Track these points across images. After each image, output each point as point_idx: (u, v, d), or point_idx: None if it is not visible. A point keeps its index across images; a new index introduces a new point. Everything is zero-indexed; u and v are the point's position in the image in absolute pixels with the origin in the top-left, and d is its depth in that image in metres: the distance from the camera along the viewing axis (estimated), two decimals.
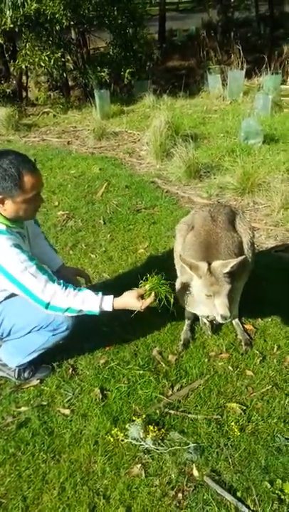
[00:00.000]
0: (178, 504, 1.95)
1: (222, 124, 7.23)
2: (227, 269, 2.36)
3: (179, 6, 22.20)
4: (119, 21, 8.94)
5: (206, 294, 2.36)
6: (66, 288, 2.23)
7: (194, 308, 2.68)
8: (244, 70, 8.92)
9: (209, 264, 2.37)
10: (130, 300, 2.31)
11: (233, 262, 2.37)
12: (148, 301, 2.31)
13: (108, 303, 2.28)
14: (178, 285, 2.75)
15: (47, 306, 2.21)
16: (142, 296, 2.32)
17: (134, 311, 2.34)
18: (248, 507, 1.93)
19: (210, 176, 5.26)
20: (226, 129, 6.86)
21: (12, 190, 2.13)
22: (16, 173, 2.10)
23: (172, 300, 2.35)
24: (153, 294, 2.32)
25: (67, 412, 2.38)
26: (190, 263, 2.39)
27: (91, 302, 2.25)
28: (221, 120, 7.46)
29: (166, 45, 15.23)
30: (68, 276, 2.67)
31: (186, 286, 2.62)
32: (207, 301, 2.39)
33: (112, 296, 2.30)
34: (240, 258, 2.42)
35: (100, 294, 2.28)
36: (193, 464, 2.10)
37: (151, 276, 2.37)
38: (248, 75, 9.43)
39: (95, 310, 2.26)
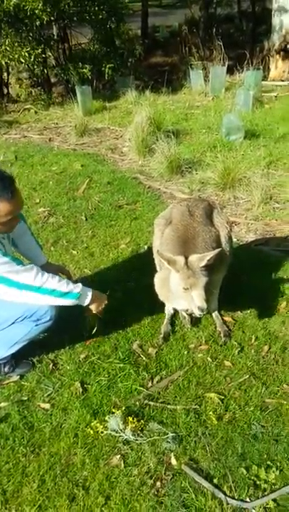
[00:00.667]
0: (156, 492, 1.99)
1: (204, 119, 7.27)
2: (204, 263, 2.40)
3: (161, 2, 22.10)
4: (100, 17, 8.89)
5: (184, 287, 2.40)
6: (44, 273, 2.33)
7: (173, 302, 2.72)
8: (226, 66, 8.95)
9: (186, 258, 2.42)
10: (96, 292, 2.49)
11: (210, 255, 2.42)
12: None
13: (88, 291, 2.44)
14: (157, 280, 2.78)
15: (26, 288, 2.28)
16: None
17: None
18: (224, 493, 1.97)
19: (192, 171, 5.30)
20: (207, 125, 6.90)
21: None
22: None
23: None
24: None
25: (47, 406, 2.40)
26: (167, 257, 2.43)
27: (74, 286, 2.37)
28: (203, 116, 7.49)
29: (148, 41, 15.16)
30: (51, 273, 2.70)
31: (164, 281, 2.65)
32: (185, 294, 2.43)
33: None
34: (216, 251, 2.46)
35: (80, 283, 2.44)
36: (172, 453, 2.14)
37: None
38: (230, 71, 9.46)
39: (76, 292, 2.36)
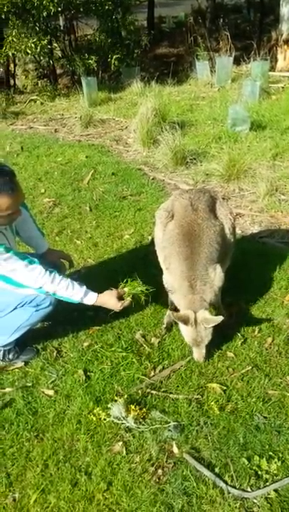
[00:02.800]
0: (157, 480, 2.01)
1: (210, 111, 7.22)
2: (211, 325, 2.46)
3: None
4: (106, 7, 8.84)
5: (190, 342, 2.54)
6: (51, 273, 2.32)
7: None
8: (232, 56, 8.89)
9: (195, 312, 2.47)
10: (110, 299, 2.46)
11: (216, 322, 2.45)
12: (126, 303, 2.49)
13: (91, 298, 2.42)
14: (166, 284, 2.78)
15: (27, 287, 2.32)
16: (121, 297, 2.49)
17: (111, 310, 2.53)
18: (225, 482, 1.99)
19: (196, 162, 5.28)
20: (213, 116, 6.85)
21: None
22: None
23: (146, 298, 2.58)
24: (130, 297, 2.51)
25: (51, 392, 2.43)
26: (178, 317, 2.49)
27: (75, 291, 2.37)
28: (208, 107, 7.44)
29: (154, 32, 15.06)
30: (53, 260, 2.75)
31: (171, 280, 2.68)
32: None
33: (96, 293, 2.44)
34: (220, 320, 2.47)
35: (84, 286, 2.41)
36: (174, 442, 2.16)
37: (131, 280, 2.56)
38: (237, 62, 9.41)
39: (76, 300, 2.39)
